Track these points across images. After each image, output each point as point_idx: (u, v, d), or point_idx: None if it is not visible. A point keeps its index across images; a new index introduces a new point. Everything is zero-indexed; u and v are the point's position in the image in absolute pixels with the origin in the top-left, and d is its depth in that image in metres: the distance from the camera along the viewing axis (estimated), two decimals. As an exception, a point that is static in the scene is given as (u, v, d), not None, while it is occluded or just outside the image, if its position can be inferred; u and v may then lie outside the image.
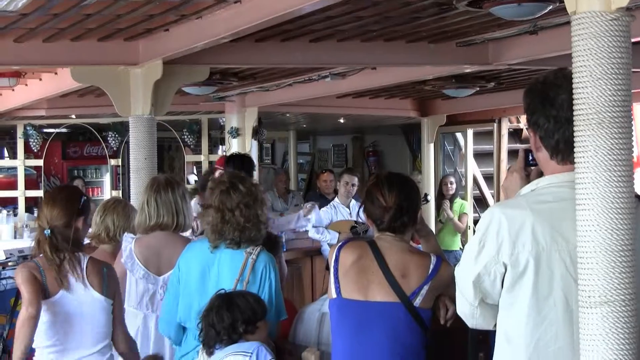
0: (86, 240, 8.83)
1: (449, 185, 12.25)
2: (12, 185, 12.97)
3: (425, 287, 4.01)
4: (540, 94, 3.04)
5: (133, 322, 5.18)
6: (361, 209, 4.34)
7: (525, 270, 2.92)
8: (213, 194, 4.63)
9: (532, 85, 3.10)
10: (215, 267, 4.58)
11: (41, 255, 4.61)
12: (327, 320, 4.53)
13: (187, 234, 5.82)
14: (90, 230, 5.32)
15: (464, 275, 3.08)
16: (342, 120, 14.98)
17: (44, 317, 4.54)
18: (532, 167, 3.18)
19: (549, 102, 3.00)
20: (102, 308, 4.62)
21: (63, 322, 4.60)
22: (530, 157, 3.19)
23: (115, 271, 4.84)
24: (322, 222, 9.51)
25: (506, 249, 2.93)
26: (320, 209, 9.67)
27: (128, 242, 5.25)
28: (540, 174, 3.10)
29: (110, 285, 4.64)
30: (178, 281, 4.66)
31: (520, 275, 2.93)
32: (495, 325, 3.08)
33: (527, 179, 3.14)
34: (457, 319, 3.33)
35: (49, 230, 4.57)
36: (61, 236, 4.60)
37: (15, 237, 11.42)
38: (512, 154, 12.93)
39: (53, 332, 4.60)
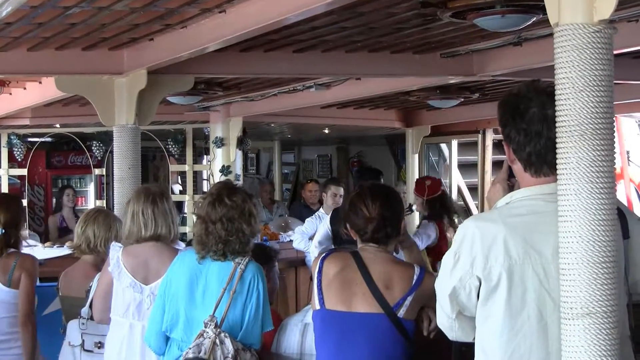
0: (68, 251, 8.95)
1: (437, 196, 12.23)
2: (-4, 195, 12.88)
3: (409, 298, 4.01)
4: (511, 106, 3.04)
5: (119, 331, 5.16)
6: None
7: (498, 283, 2.92)
8: (202, 205, 4.63)
9: (505, 97, 3.10)
10: (203, 277, 4.57)
11: None
12: (309, 332, 4.52)
13: None
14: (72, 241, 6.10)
15: (441, 288, 3.09)
16: (326, 131, 14.98)
17: None
18: (515, 179, 3.18)
19: (519, 115, 3.00)
20: (6, 298, 5.73)
21: None
22: None
23: (33, 262, 5.88)
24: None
25: (479, 263, 2.94)
26: (304, 219, 9.66)
27: (116, 250, 5.23)
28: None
29: (14, 277, 5.72)
30: (165, 291, 4.65)
31: (494, 289, 2.93)
32: (474, 337, 3.08)
33: (510, 190, 3.14)
34: (441, 331, 3.34)
35: (3, 230, 5.73)
36: (13, 237, 5.81)
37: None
38: (497, 164, 12.95)
39: None
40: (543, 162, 2.95)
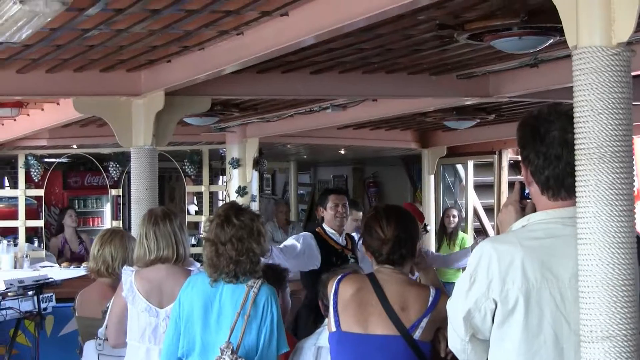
0: (84, 272, 9.11)
1: (451, 218, 12.20)
2: (13, 215, 12.94)
3: (425, 320, 3.99)
4: (531, 128, 3.00)
5: (135, 356, 5.14)
6: (360, 241, 4.34)
7: (515, 307, 2.89)
8: (210, 227, 4.60)
9: (525, 119, 3.07)
10: (217, 301, 4.55)
11: None
12: (322, 355, 4.51)
13: None
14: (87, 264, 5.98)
15: (455, 311, 3.05)
16: (342, 152, 14.99)
17: None
18: (528, 200, 3.16)
19: (539, 138, 2.96)
20: None
21: None
22: (526, 190, 3.17)
23: None
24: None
25: (496, 286, 2.90)
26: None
27: (128, 275, 5.21)
28: (535, 208, 3.08)
29: None
30: (179, 316, 4.62)
31: (510, 312, 2.90)
32: None
33: (523, 212, 3.11)
34: (458, 352, 3.31)
35: None
36: None
37: (15, 267, 11.40)
38: (513, 186, 12.92)
39: None
40: (561, 186, 2.93)
